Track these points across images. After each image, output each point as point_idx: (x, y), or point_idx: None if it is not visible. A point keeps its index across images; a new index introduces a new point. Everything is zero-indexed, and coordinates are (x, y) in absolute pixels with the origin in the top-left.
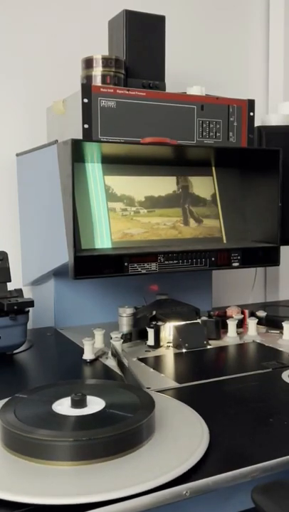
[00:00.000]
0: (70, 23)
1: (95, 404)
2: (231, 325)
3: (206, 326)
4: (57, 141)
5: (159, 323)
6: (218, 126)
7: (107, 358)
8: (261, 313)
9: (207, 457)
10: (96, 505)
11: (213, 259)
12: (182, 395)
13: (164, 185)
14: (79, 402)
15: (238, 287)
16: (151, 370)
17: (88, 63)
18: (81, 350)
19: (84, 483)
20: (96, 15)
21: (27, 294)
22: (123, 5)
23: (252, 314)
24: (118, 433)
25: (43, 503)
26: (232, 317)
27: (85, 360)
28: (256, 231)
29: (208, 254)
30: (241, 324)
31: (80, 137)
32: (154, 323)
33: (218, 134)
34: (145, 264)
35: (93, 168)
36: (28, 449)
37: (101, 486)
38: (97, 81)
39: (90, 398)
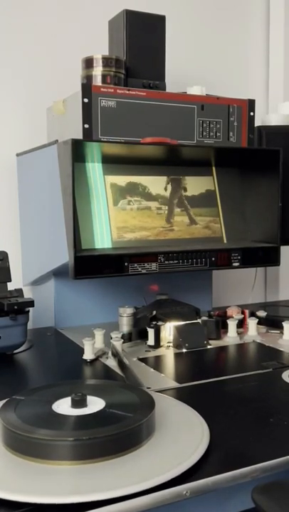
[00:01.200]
0: (70, 23)
1: (95, 404)
2: (231, 325)
3: (206, 326)
4: (57, 141)
5: (160, 323)
6: (218, 126)
7: (107, 357)
8: (261, 313)
9: (207, 457)
10: (96, 504)
11: (213, 259)
12: (182, 395)
13: (164, 184)
14: (79, 402)
15: (238, 287)
16: (152, 370)
17: (88, 63)
18: (81, 350)
19: (84, 482)
20: (96, 15)
21: (27, 294)
22: (123, 5)
23: (252, 314)
24: (118, 432)
25: (43, 502)
26: (232, 317)
27: (85, 360)
28: (256, 231)
29: (209, 254)
30: (241, 324)
31: (80, 137)
32: (154, 323)
33: (218, 134)
34: (145, 264)
35: (93, 168)
36: (28, 449)
37: (101, 485)
38: (98, 81)
39: (90, 398)
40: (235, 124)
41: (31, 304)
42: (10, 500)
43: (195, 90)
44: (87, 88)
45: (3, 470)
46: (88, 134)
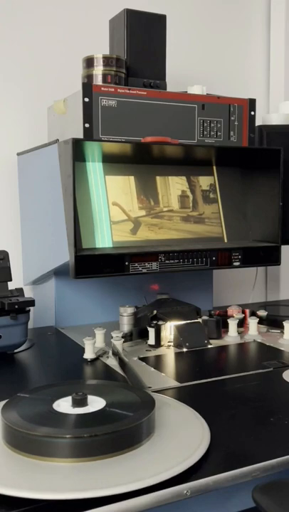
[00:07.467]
0: (70, 22)
1: (95, 404)
2: (232, 324)
3: (207, 325)
4: (58, 140)
5: (160, 322)
6: (219, 125)
7: (108, 357)
8: (262, 313)
9: (208, 456)
10: (96, 502)
11: (214, 258)
12: (183, 395)
13: (165, 185)
14: (80, 402)
15: (238, 287)
16: (152, 369)
17: (89, 62)
18: (82, 350)
19: (84, 479)
20: (97, 14)
21: (28, 294)
22: (124, 4)
23: (253, 314)
24: (118, 430)
25: (44, 498)
26: (233, 316)
27: (86, 359)
28: (257, 230)
29: (209, 253)
30: (242, 324)
31: (81, 136)
32: (154, 322)
33: (219, 134)
34: (146, 264)
35: (94, 168)
36: (29, 446)
37: (101, 483)
38: (98, 80)
39: (90, 397)
40: (236, 123)
41: (32, 303)
42: (9, 496)
43: (196, 90)
44: (87, 87)
45: (3, 467)
46: (89, 134)
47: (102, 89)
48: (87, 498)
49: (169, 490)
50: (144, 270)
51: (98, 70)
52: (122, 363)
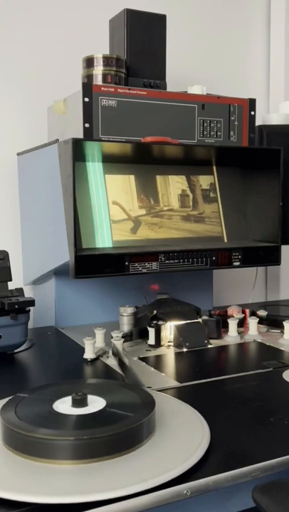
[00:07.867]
0: (70, 22)
1: (95, 404)
2: (232, 324)
3: (207, 325)
4: (58, 140)
5: (160, 322)
6: (219, 125)
7: (108, 357)
8: (262, 313)
9: (208, 456)
10: (96, 504)
11: (214, 258)
12: (183, 395)
13: (165, 184)
14: (80, 402)
15: (238, 287)
16: (152, 369)
17: (89, 62)
18: (82, 350)
19: (84, 482)
20: (97, 14)
21: (28, 293)
22: (124, 4)
23: (253, 314)
24: (118, 432)
25: (44, 502)
26: (233, 316)
27: (86, 359)
28: (257, 230)
29: (209, 253)
30: (242, 324)
31: (81, 136)
32: (154, 322)
33: (219, 133)
34: (146, 264)
35: (94, 168)
36: (28, 448)
37: (101, 485)
38: (98, 80)
39: (90, 397)
40: (236, 123)
41: (32, 303)
42: (9, 499)
43: (196, 89)
44: (87, 87)
45: (3, 469)
46: (89, 134)
47: (102, 89)
48: (87, 502)
49: (169, 490)
50: (144, 270)
51: (98, 70)
52: (121, 363)
